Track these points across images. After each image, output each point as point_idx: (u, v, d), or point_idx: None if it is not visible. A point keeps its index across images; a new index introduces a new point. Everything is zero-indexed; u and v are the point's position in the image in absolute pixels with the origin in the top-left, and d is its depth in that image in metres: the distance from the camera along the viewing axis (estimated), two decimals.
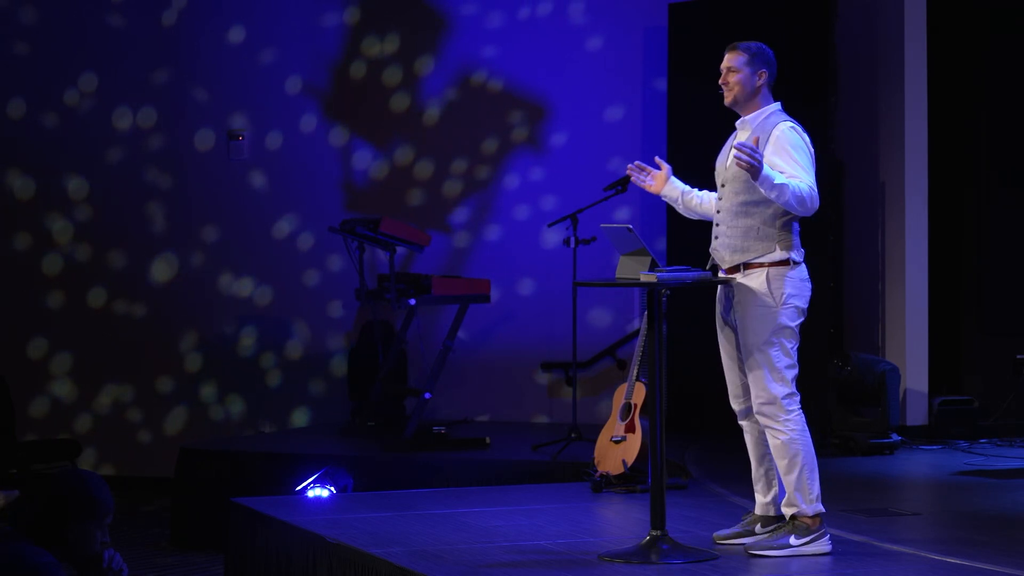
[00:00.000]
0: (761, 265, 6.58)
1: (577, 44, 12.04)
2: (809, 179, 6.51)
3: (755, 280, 6.58)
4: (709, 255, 6.78)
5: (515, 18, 12.17)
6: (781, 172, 6.47)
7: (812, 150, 6.63)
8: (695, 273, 6.55)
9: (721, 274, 6.71)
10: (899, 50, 10.85)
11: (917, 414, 10.79)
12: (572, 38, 12.05)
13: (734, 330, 6.69)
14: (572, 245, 9.96)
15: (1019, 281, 11.06)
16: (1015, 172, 11.09)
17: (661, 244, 11.16)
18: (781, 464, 6.59)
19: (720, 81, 6.72)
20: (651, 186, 6.88)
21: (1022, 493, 8.56)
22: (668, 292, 6.58)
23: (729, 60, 6.70)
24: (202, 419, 12.40)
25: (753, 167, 6.36)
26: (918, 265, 10.85)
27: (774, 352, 6.54)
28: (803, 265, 6.64)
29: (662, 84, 11.57)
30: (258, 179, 12.44)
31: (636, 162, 6.89)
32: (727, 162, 6.70)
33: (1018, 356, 10.22)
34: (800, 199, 6.44)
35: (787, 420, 6.55)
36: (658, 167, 6.89)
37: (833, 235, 10.70)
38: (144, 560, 9.63)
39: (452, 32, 12.24)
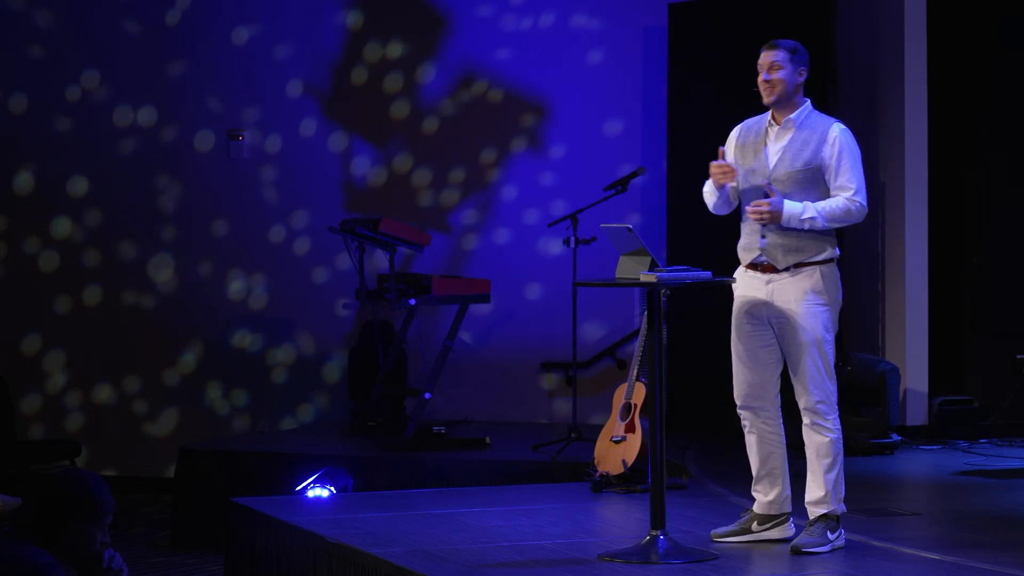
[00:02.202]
0: (813, 264, 6.59)
1: (577, 45, 12.03)
2: (855, 186, 6.55)
3: (808, 279, 6.59)
4: (756, 252, 6.65)
5: (516, 20, 12.16)
6: (836, 186, 6.54)
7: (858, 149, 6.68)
8: (695, 273, 6.55)
9: (771, 274, 6.62)
10: (899, 50, 10.85)
11: (917, 414, 10.79)
12: (572, 39, 12.04)
13: (771, 329, 6.66)
14: (572, 245, 9.97)
15: (1019, 281, 11.06)
16: (1015, 172, 11.09)
17: (661, 245, 11.16)
18: (823, 463, 6.64)
19: (760, 79, 6.63)
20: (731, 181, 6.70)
21: (1022, 493, 8.57)
22: (668, 292, 6.59)
23: (770, 57, 6.63)
24: (202, 419, 12.39)
25: (775, 217, 6.48)
26: (918, 265, 10.86)
27: (827, 349, 6.62)
28: None
29: (662, 84, 11.56)
30: (258, 179, 12.43)
31: (716, 163, 6.64)
32: (770, 162, 6.64)
33: (1018, 356, 10.23)
34: (835, 218, 6.55)
35: (835, 418, 6.69)
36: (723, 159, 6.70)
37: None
38: (144, 560, 9.62)
39: (453, 36, 12.23)
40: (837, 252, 6.67)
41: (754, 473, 6.85)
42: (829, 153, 6.56)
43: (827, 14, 10.90)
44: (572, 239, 9.96)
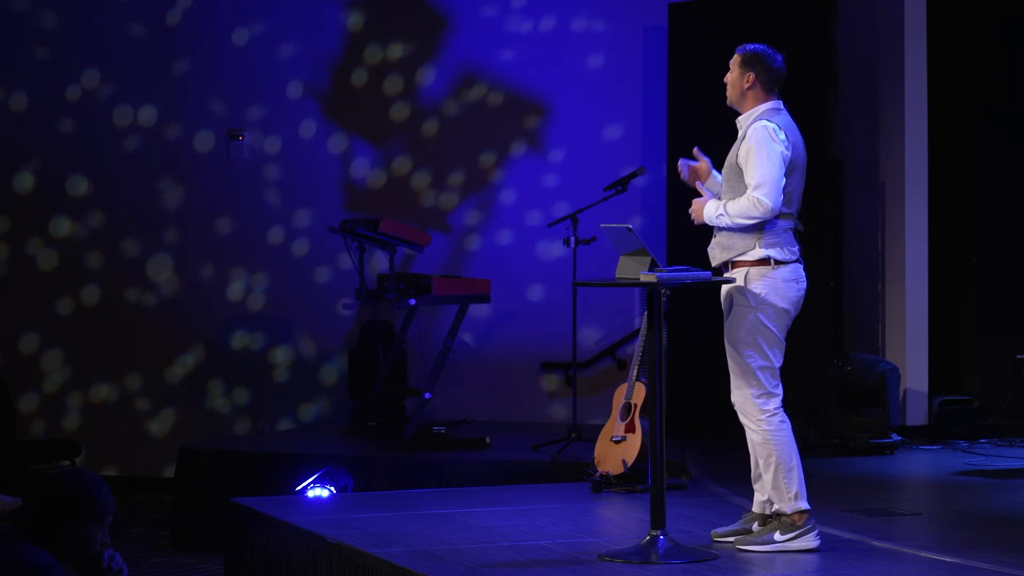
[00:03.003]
0: (742, 264, 6.64)
1: (577, 47, 12.03)
2: (755, 182, 6.57)
3: (739, 280, 6.63)
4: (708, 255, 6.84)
5: (517, 22, 12.16)
6: (746, 183, 6.61)
7: (780, 146, 6.62)
8: (695, 273, 6.56)
9: (724, 273, 6.77)
10: (899, 50, 10.85)
11: (917, 414, 10.79)
12: (572, 41, 12.04)
13: None
14: (572, 245, 9.97)
15: (1019, 281, 11.06)
16: (1015, 172, 11.10)
17: (661, 245, 11.16)
18: (760, 462, 6.67)
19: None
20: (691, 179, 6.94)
21: (1022, 493, 8.57)
22: (668, 292, 6.61)
23: (730, 62, 6.82)
24: (202, 419, 12.40)
25: (698, 217, 6.70)
26: (918, 265, 10.86)
27: (748, 352, 6.60)
28: (791, 265, 6.65)
29: (662, 85, 11.56)
30: (259, 180, 12.44)
31: (681, 159, 6.93)
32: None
33: (1018, 356, 10.23)
34: (741, 215, 6.60)
35: (760, 420, 6.62)
36: (697, 160, 6.93)
37: (833, 235, 10.70)
38: (144, 560, 9.63)
39: (454, 37, 12.23)
40: (775, 253, 6.62)
41: (752, 472, 6.85)
42: (741, 152, 6.66)
43: (827, 14, 10.90)
44: (572, 239, 9.96)
